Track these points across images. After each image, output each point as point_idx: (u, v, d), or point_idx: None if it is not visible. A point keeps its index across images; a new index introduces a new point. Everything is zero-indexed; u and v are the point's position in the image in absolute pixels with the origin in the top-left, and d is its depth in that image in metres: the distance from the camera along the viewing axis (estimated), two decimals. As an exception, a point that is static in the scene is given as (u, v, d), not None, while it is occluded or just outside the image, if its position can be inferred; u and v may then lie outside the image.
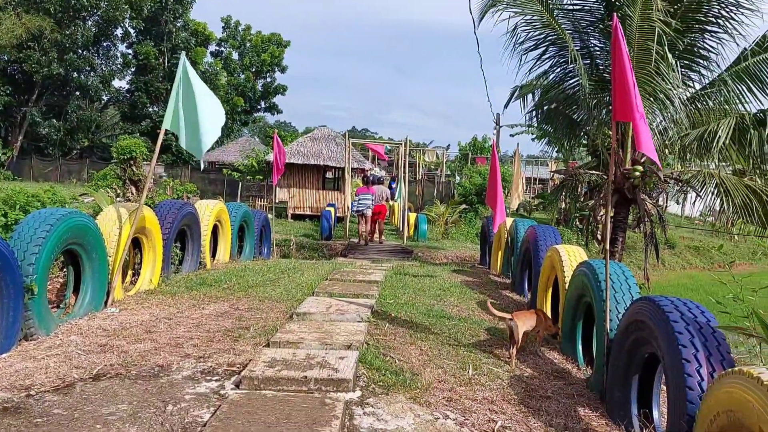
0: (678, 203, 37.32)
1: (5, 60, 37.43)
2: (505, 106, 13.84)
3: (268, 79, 53.01)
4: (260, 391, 3.95)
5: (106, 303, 6.28)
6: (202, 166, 7.26)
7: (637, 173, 10.66)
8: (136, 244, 7.30)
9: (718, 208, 11.19)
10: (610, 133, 11.28)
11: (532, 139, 33.50)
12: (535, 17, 10.86)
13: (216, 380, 4.23)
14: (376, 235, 18.72)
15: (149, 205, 8.47)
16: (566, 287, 5.78)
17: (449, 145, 45.30)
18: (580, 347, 5.44)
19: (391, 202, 26.63)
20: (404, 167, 21.00)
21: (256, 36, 51.98)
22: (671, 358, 3.48)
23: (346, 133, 20.36)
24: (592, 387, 4.67)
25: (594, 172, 11.70)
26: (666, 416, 3.60)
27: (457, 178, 37.75)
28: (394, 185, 27.18)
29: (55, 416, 3.52)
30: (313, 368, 4.23)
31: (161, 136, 7.03)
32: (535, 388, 4.58)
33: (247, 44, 52.38)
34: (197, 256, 8.92)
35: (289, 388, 3.99)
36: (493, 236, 11.42)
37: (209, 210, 9.37)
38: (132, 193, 16.74)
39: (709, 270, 29.31)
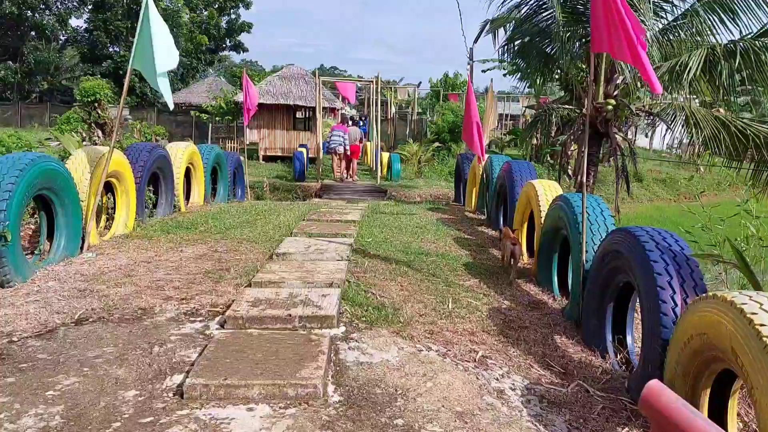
0: (646, 136, 37.80)
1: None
2: (475, 41, 13.73)
3: (233, 16, 51.25)
4: (246, 330, 4.00)
5: (81, 248, 6.20)
6: (171, 107, 7.04)
7: (610, 107, 10.72)
8: (108, 189, 7.18)
9: (686, 141, 11.39)
10: (584, 66, 11.27)
11: (504, 75, 33.30)
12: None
13: (200, 321, 4.26)
14: (350, 173, 18.78)
15: (118, 149, 8.29)
16: (542, 221, 5.87)
17: (420, 82, 44.97)
18: (555, 279, 5.58)
19: (364, 142, 26.53)
20: (376, 106, 20.77)
21: (218, -31, 49.88)
22: (646, 285, 3.59)
23: (316, 72, 19.94)
24: (568, 316, 4.82)
25: (567, 107, 11.72)
26: (640, 342, 3.74)
27: (429, 116, 37.51)
28: (364, 125, 26.95)
29: (40, 361, 3.52)
30: (297, 306, 4.27)
31: (128, 77, 6.79)
32: (513, 319, 4.71)
33: (209, -22, 50.30)
34: (171, 199, 8.81)
35: (275, 326, 4.04)
36: (467, 174, 11.47)
37: (181, 152, 9.20)
38: (98, 137, 16.30)
39: (676, 202, 30.00)
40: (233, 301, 4.52)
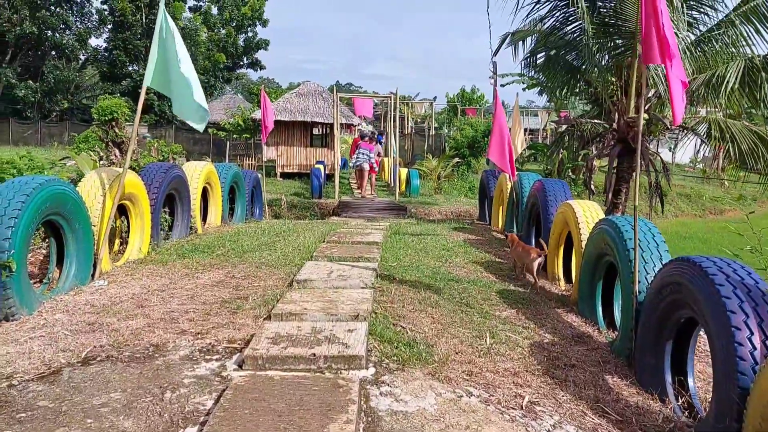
0: (670, 150, 37.09)
1: (-25, 20, 35.99)
2: (495, 54, 13.23)
3: (250, 34, 51.54)
4: (266, 372, 3.63)
5: (93, 275, 5.89)
6: (201, 129, 6.75)
7: (643, 121, 10.29)
8: (122, 211, 6.88)
9: (713, 155, 10.89)
10: (614, 79, 10.86)
11: (524, 89, 32.82)
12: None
13: (216, 359, 3.90)
14: (369, 189, 18.85)
15: (134, 169, 8.02)
16: (583, 245, 5.46)
17: (436, 97, 44.14)
18: (600, 309, 5.15)
19: (382, 156, 26.23)
20: (394, 121, 20.48)
21: (235, -12, 50.24)
22: (717, 324, 3.17)
23: (334, 88, 19.71)
24: (617, 352, 4.39)
25: (596, 121, 11.29)
26: (712, 387, 3.31)
27: (446, 130, 37.15)
28: (381, 139, 26.67)
29: (40, 410, 3.18)
30: (321, 344, 3.90)
31: (143, 95, 6.51)
32: (558, 356, 4.30)
33: (226, -2, 50.69)
34: (187, 221, 8.51)
35: (297, 368, 3.66)
36: (493, 191, 11.06)
37: (198, 172, 8.92)
38: (116, 156, 16.14)
39: (701, 217, 29.32)
40: (252, 335, 4.16)
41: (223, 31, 48.95)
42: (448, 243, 8.30)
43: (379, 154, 19.93)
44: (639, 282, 4.21)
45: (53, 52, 41.23)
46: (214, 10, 50.07)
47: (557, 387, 3.78)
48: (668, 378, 3.81)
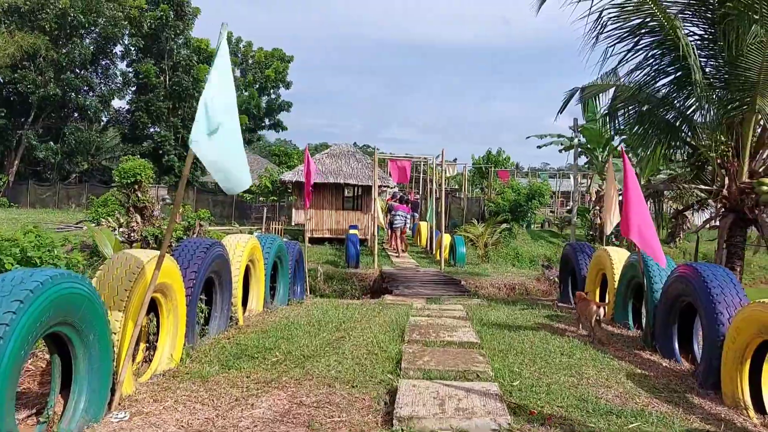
0: None
1: (-1, 81, 35.61)
2: (560, 111, 11.79)
3: (273, 96, 51.21)
4: None
5: (110, 405, 4.21)
6: (239, 192, 5.10)
7: (765, 187, 8.64)
8: (151, 307, 5.26)
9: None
10: (722, 138, 9.27)
11: (560, 151, 31.44)
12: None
13: None
14: (403, 248, 20.12)
15: (153, 249, 6.43)
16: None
17: (456, 158, 42.67)
18: None
19: (416, 221, 24.80)
20: (435, 183, 19.02)
21: (258, 52, 50.20)
22: None
23: (375, 150, 18.41)
24: None
25: (703, 187, 9.64)
26: None
27: (469, 193, 35.54)
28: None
29: None
30: None
31: (190, 158, 4.65)
32: None
33: (250, 60, 50.65)
34: (227, 309, 6.86)
35: None
36: (584, 269, 9.35)
37: (241, 248, 7.32)
38: (137, 222, 14.63)
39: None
40: None
41: (246, 93, 48.61)
42: (556, 341, 6.53)
43: (413, 217, 20.78)
44: None
45: (76, 114, 40.69)
46: (237, 73, 49.94)
47: None
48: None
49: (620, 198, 8.61)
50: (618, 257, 8.36)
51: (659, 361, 5.96)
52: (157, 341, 5.28)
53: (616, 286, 7.94)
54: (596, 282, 8.99)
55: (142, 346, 5.28)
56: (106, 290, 4.47)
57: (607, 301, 8.78)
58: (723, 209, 9.32)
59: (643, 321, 7.40)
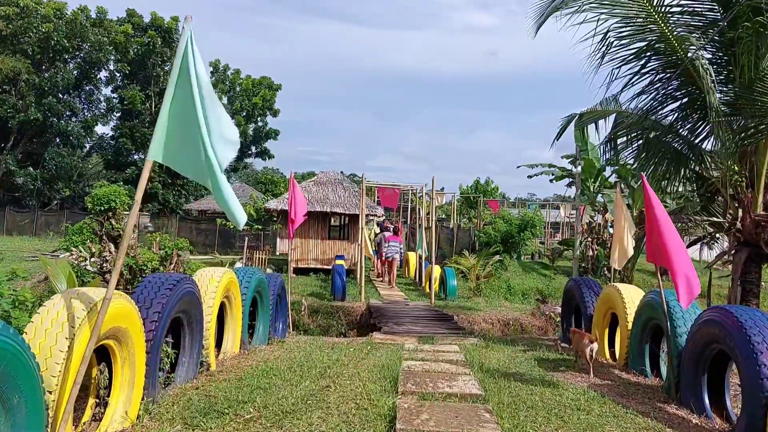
0: None
1: (-23, 105, 34.71)
2: (557, 137, 11.25)
3: (260, 123, 50.67)
4: None
5: (39, 482, 3.41)
6: (241, 227, 4.51)
7: (788, 221, 8.04)
8: (102, 355, 4.48)
9: None
10: (736, 167, 8.71)
11: (551, 180, 30.95)
12: (634, 18, 8.38)
13: None
14: (390, 278, 19.48)
15: (127, 285, 5.69)
16: None
17: (443, 187, 41.97)
18: None
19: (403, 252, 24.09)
20: (425, 213, 18.37)
21: (246, 80, 49.77)
22: None
23: (363, 176, 17.71)
24: None
25: (715, 220, 9.04)
26: None
27: (457, 223, 34.95)
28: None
29: None
30: None
31: (145, 176, 4.18)
32: None
33: (237, 88, 50.18)
34: (198, 354, 6.07)
35: None
36: (590, 307, 8.65)
37: (215, 283, 6.55)
38: (110, 252, 13.81)
39: None
40: None
41: (233, 121, 48.03)
42: (569, 393, 5.78)
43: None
44: None
45: (57, 139, 39.83)
46: (224, 100, 49.43)
47: None
48: None
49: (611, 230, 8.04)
50: (630, 296, 7.61)
51: (688, 417, 5.23)
52: (108, 396, 4.48)
53: (629, 327, 7.20)
54: (605, 322, 8.23)
55: (91, 402, 4.47)
56: (43, 338, 3.70)
57: (616, 342, 8.09)
58: (737, 243, 8.70)
59: (662, 367, 6.69)
